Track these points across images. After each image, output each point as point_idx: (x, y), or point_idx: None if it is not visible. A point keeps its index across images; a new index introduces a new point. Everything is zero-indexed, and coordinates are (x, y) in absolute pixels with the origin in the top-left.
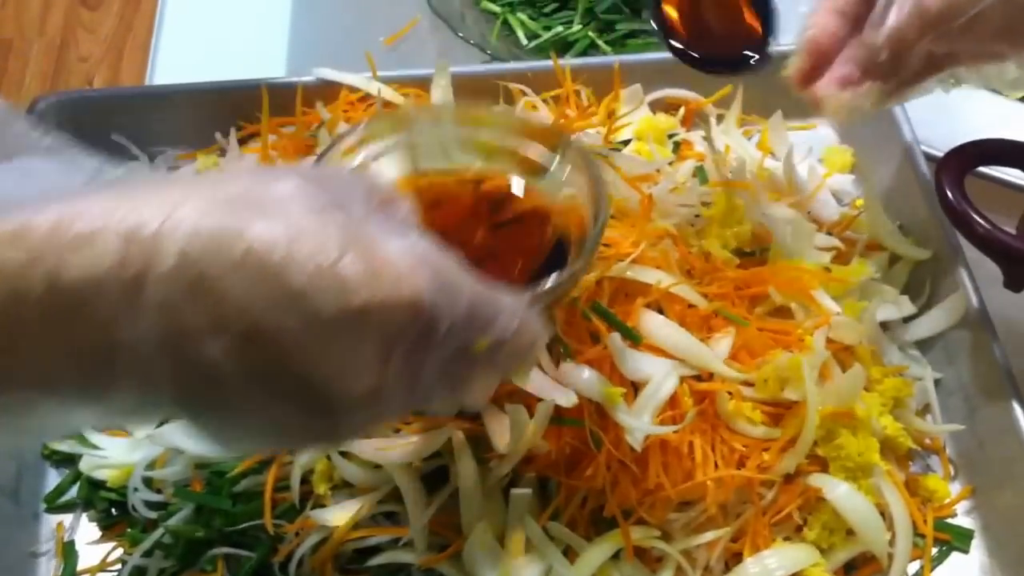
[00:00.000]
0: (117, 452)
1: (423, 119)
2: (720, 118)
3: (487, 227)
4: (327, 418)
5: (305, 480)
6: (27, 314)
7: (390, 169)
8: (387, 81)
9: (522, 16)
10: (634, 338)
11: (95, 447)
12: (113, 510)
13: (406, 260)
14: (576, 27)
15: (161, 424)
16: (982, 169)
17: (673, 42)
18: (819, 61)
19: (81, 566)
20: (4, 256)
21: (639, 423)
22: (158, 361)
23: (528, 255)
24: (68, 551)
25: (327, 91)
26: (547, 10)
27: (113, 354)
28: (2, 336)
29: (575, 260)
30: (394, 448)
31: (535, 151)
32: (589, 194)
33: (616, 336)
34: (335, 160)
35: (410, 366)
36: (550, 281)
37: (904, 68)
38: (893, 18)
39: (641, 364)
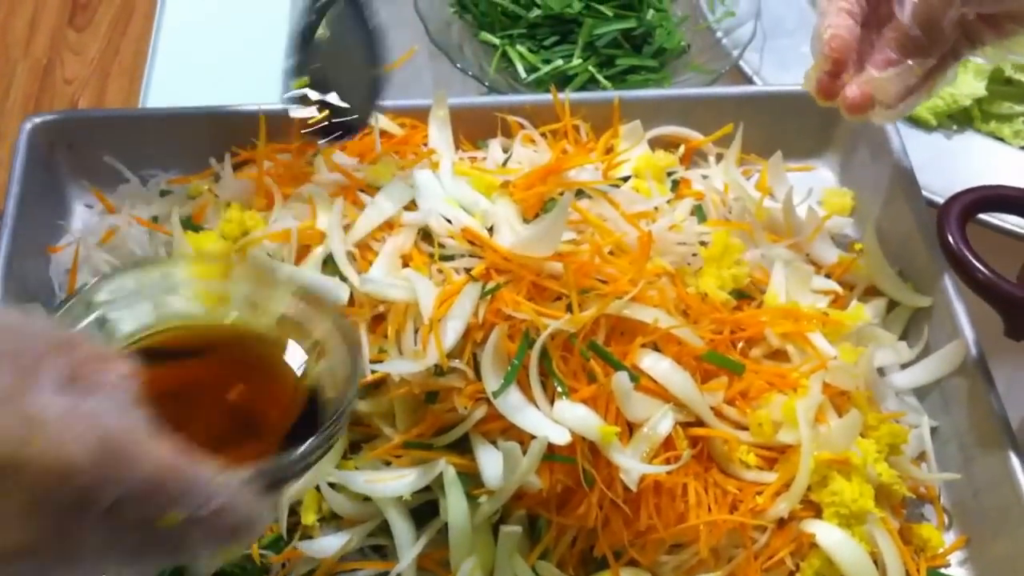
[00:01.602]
0: None
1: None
2: (719, 157)
3: (230, 388)
4: None
5: (293, 511)
6: None
7: (131, 321)
8: (384, 110)
9: (521, 49)
10: (633, 378)
11: None
12: None
13: (64, 421)
14: (576, 61)
15: None
16: (983, 217)
17: None
18: (841, 65)
19: None
20: None
21: (634, 463)
22: None
23: (275, 420)
24: None
25: None
26: (547, 43)
27: None
28: None
29: (315, 438)
30: (384, 481)
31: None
32: (346, 364)
33: (622, 376)
34: (76, 310)
35: (65, 531)
36: (277, 459)
37: (939, 41)
38: None
39: (638, 404)
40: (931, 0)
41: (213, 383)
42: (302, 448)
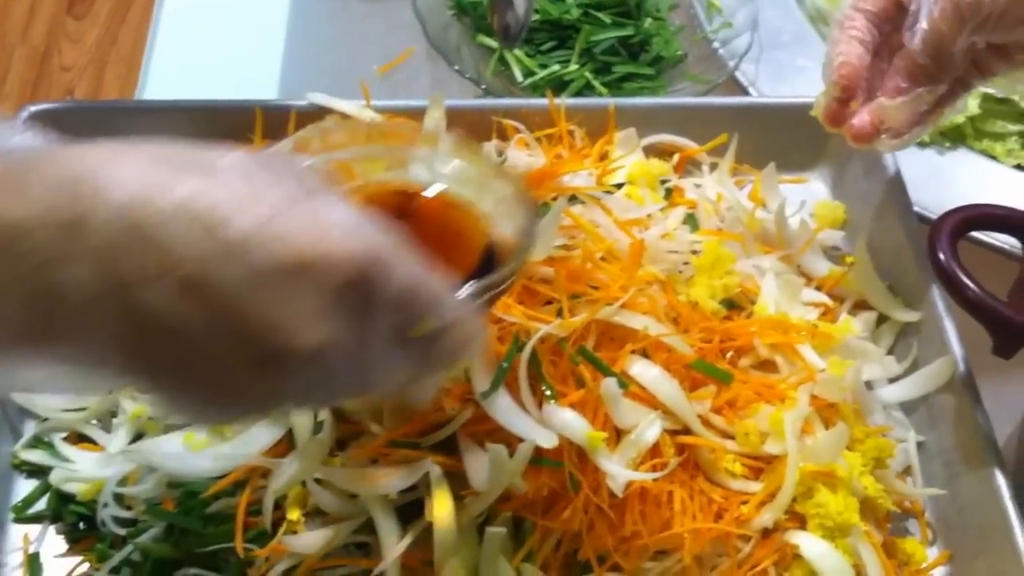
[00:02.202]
0: (88, 466)
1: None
2: (713, 166)
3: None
4: (273, 375)
5: (278, 505)
6: None
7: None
8: (380, 110)
9: (518, 53)
10: (621, 384)
11: (66, 460)
12: (81, 524)
13: (345, 223)
14: (573, 67)
15: (111, 392)
16: (975, 235)
17: None
18: (850, 92)
19: None
20: None
21: (620, 469)
22: (99, 309)
23: (456, 263)
24: (33, 563)
25: (319, 117)
26: (544, 48)
27: (49, 298)
28: None
29: (505, 264)
30: (370, 479)
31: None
32: (519, 208)
33: (611, 382)
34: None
35: (355, 329)
36: (485, 280)
37: (949, 69)
38: (925, 20)
39: (626, 410)
40: (941, 28)
41: (417, 223)
42: (503, 270)
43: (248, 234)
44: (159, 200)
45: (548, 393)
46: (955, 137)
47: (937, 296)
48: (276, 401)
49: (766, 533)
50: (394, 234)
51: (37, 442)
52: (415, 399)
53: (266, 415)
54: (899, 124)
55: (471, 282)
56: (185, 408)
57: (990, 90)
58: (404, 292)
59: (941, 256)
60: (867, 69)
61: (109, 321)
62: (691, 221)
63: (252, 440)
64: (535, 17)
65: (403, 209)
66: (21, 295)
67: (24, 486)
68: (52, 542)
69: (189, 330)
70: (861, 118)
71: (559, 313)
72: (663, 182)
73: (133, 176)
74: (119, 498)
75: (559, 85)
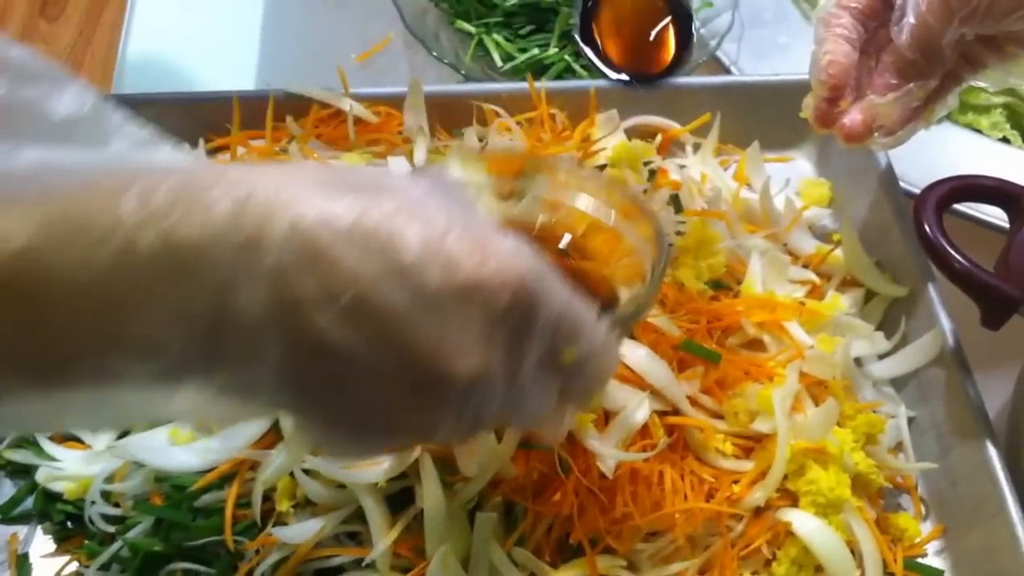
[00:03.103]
0: (75, 464)
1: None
2: (697, 147)
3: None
4: (434, 401)
5: (267, 497)
6: (137, 269)
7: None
8: (359, 98)
9: (497, 37)
10: None
11: (52, 459)
12: (69, 523)
13: (508, 246)
14: (552, 50)
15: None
16: (961, 208)
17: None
18: (840, 91)
19: None
20: (125, 209)
21: (610, 450)
22: (267, 330)
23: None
24: (22, 564)
25: (297, 106)
26: (523, 32)
27: (222, 319)
28: (113, 289)
29: (643, 289)
30: (359, 468)
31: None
32: (651, 232)
33: None
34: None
35: (511, 356)
36: (625, 306)
37: (939, 63)
38: (912, 14)
39: (614, 392)
40: (929, 21)
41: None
42: (639, 301)
43: (418, 255)
44: (332, 220)
45: None
46: None
47: (925, 270)
48: (430, 431)
49: (758, 511)
50: (546, 261)
51: (22, 442)
52: (549, 435)
53: (416, 444)
54: (891, 122)
55: (608, 312)
56: (335, 437)
57: (981, 84)
58: (558, 318)
59: (927, 228)
60: (855, 67)
61: (275, 344)
62: (675, 202)
63: (239, 433)
64: (513, 0)
65: (545, 239)
66: (192, 318)
67: (10, 487)
68: (40, 542)
69: (352, 352)
70: (852, 117)
71: None
72: (646, 163)
73: (305, 197)
74: (106, 495)
75: (539, 69)
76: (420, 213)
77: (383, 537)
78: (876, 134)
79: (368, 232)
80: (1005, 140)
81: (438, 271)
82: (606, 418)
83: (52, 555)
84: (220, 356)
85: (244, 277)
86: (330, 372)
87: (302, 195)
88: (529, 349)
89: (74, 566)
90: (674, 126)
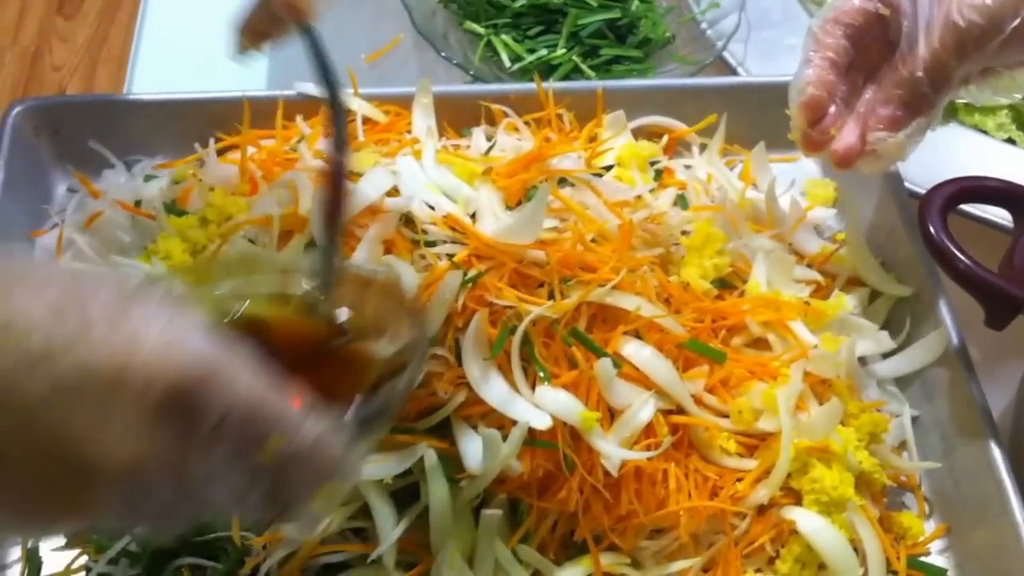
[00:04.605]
0: None
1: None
2: (703, 147)
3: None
4: (86, 491)
5: None
6: None
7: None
8: (368, 98)
9: (506, 38)
10: (615, 364)
11: None
12: None
13: (166, 335)
14: (560, 51)
15: None
16: (965, 208)
17: None
18: (815, 119)
19: (45, 572)
20: None
21: (615, 448)
22: None
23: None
24: (32, 557)
25: (308, 106)
26: (531, 33)
27: None
28: None
29: (393, 387)
30: (365, 464)
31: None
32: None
33: (606, 362)
34: None
35: (173, 449)
36: (360, 407)
37: (946, 93)
38: (925, 47)
39: (620, 391)
40: (942, 58)
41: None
42: (385, 395)
43: (56, 345)
44: None
45: (541, 375)
46: (946, 112)
47: (929, 271)
48: (93, 510)
49: (762, 510)
50: (240, 350)
51: None
52: (296, 530)
53: (87, 525)
54: (905, 157)
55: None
56: (1, 521)
57: (963, 99)
58: (241, 410)
59: (932, 229)
60: (836, 91)
61: None
62: (682, 202)
63: None
64: (522, 1)
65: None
66: None
67: None
68: None
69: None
70: (844, 143)
71: (551, 295)
72: (653, 163)
73: None
74: None
75: (547, 69)
76: (68, 302)
77: (389, 533)
78: (867, 157)
79: (4, 321)
80: (1010, 141)
81: (75, 360)
82: (611, 416)
83: (62, 549)
84: None
85: None
86: None
87: None
88: (201, 445)
89: (83, 560)
90: (680, 126)
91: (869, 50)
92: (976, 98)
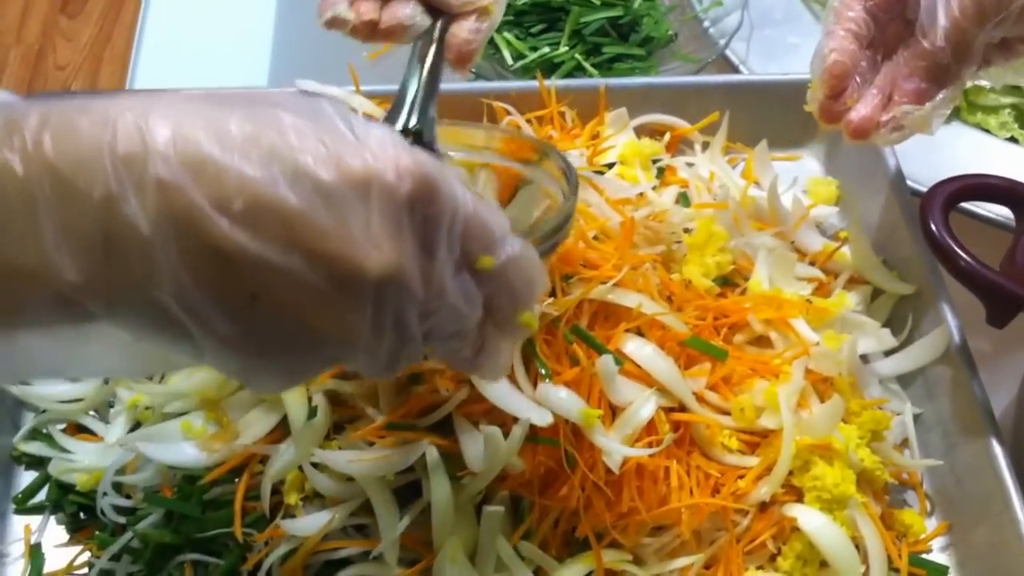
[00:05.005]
0: (88, 456)
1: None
2: (705, 145)
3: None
4: (349, 299)
5: (276, 490)
6: (13, 194)
7: None
8: (370, 95)
9: (508, 36)
10: (616, 362)
11: (65, 450)
12: (82, 514)
13: (400, 144)
14: (563, 49)
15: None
16: (967, 206)
17: None
18: (839, 90)
19: (48, 569)
20: None
21: (617, 445)
22: (160, 244)
23: None
24: (35, 553)
25: None
26: (534, 31)
27: (111, 236)
28: None
29: (557, 213)
30: (367, 460)
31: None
32: (556, 170)
33: (608, 359)
34: None
35: (422, 252)
36: (542, 230)
37: (969, 64)
38: (944, 16)
39: (621, 388)
40: (963, 25)
41: None
42: (555, 224)
43: (311, 155)
44: (216, 130)
45: (543, 372)
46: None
47: (931, 269)
48: (350, 340)
49: (763, 507)
50: (450, 168)
51: (36, 434)
52: (488, 373)
53: (337, 362)
54: (931, 130)
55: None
56: (255, 362)
57: (982, 82)
58: (466, 220)
59: (934, 227)
60: (857, 65)
61: (173, 260)
62: (684, 200)
63: (248, 429)
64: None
65: None
66: (80, 238)
67: (24, 477)
68: (53, 532)
69: (256, 256)
70: (859, 114)
71: (552, 292)
72: (655, 161)
73: (182, 109)
74: (118, 487)
75: (549, 67)
76: (310, 119)
77: (391, 530)
78: (883, 129)
79: (255, 137)
80: (1013, 140)
81: (331, 167)
82: (613, 414)
83: (65, 545)
84: (116, 279)
85: (128, 190)
86: (237, 281)
87: (180, 108)
88: (440, 248)
89: (86, 556)
90: (683, 124)
91: (887, 29)
92: (996, 79)
